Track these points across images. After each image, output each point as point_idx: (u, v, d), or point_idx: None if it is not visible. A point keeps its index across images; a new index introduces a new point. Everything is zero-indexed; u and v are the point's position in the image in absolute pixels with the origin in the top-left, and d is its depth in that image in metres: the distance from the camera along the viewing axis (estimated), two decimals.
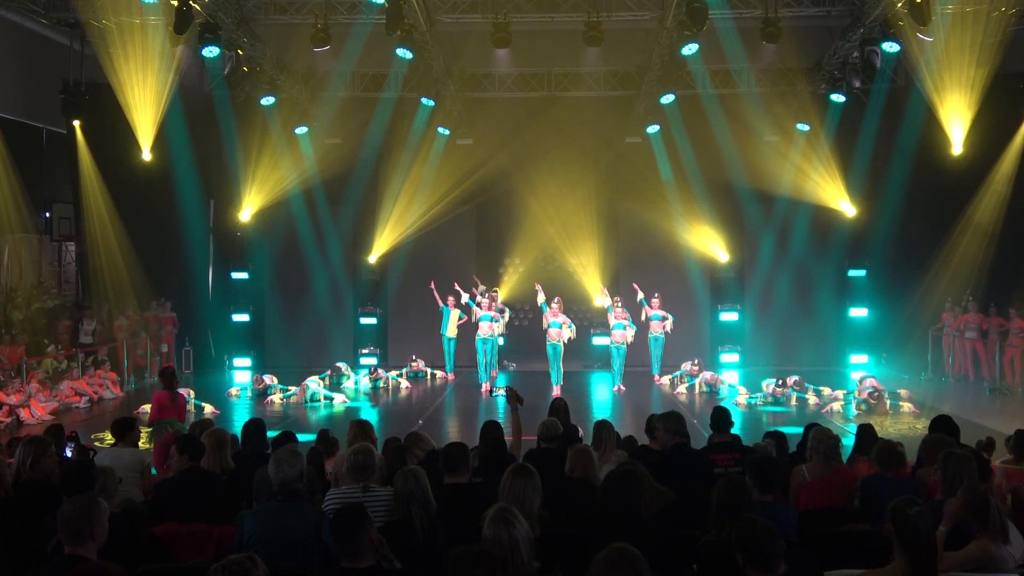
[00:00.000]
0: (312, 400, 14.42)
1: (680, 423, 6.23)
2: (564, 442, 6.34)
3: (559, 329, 14.91)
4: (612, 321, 15.48)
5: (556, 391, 14.39)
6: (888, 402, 13.16)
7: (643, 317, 16.06)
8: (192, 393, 13.27)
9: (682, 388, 15.30)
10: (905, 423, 12.41)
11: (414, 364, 16.97)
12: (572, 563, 3.91)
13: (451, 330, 16.54)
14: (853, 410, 13.12)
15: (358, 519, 3.65)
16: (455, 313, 16.47)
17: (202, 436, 5.86)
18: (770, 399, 13.87)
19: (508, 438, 6.72)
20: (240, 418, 12.05)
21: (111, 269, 16.85)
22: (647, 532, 4.16)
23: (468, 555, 3.17)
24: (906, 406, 13.26)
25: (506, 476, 4.38)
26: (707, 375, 15.26)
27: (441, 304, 16.35)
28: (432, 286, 16.35)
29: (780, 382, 13.93)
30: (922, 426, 11.29)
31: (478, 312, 15.58)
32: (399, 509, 4.35)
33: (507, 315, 16.50)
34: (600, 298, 16.56)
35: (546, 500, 4.57)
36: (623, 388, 15.33)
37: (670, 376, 15.92)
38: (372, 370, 16.33)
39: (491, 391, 14.67)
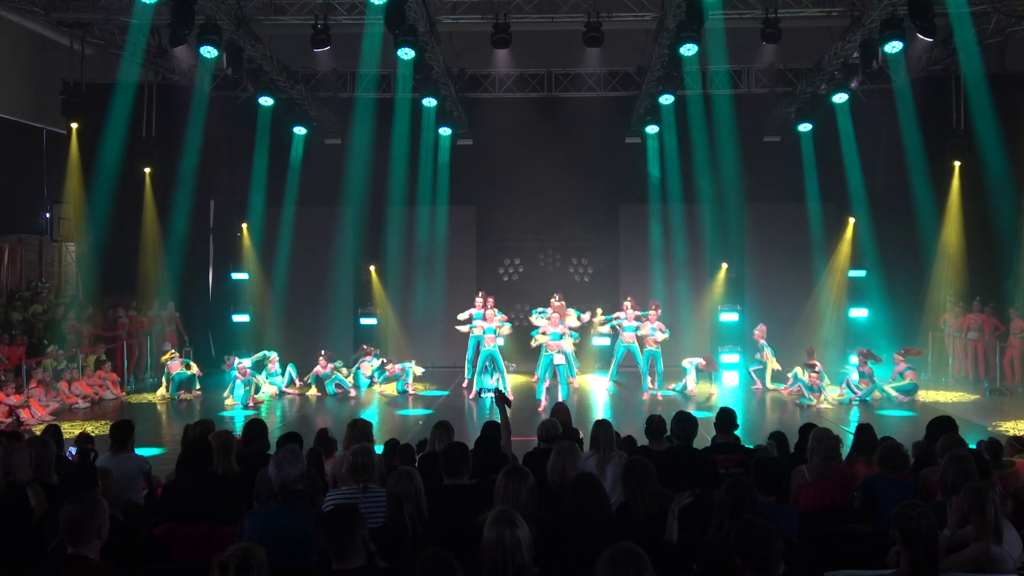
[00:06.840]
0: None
1: (689, 426, 6.02)
2: None
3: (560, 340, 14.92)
4: (624, 324, 15.23)
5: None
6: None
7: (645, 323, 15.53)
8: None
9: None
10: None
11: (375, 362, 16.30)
12: (570, 564, 3.89)
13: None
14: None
15: (347, 520, 3.61)
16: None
17: (208, 438, 5.84)
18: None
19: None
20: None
21: (111, 269, 16.84)
22: (639, 533, 4.14)
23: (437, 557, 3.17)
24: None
25: (500, 478, 4.33)
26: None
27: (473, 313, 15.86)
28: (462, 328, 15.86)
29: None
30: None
31: (482, 325, 15.55)
32: (391, 508, 4.32)
33: (508, 327, 16.35)
34: (589, 314, 16.33)
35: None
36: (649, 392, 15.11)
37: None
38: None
39: (479, 393, 14.72)
